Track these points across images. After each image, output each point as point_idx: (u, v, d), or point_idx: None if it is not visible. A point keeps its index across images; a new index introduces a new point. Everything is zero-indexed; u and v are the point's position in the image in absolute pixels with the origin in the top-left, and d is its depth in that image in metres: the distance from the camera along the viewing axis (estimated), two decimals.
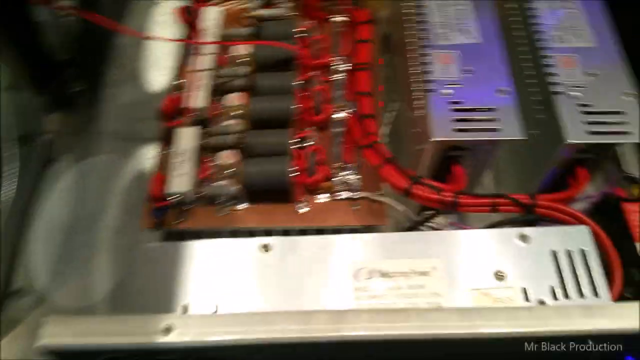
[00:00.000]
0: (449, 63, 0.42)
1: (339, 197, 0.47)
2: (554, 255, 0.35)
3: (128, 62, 0.61)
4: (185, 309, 0.34)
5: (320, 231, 0.47)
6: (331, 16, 0.56)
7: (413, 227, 0.45)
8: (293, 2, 0.56)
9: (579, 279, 0.34)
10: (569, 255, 0.35)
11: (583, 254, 0.35)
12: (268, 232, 0.46)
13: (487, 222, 0.41)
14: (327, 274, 0.34)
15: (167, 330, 0.29)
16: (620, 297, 0.36)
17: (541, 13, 0.45)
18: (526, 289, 0.34)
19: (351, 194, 0.47)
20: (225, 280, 0.34)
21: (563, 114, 0.40)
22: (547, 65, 0.42)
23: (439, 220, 0.47)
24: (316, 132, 0.50)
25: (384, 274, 0.34)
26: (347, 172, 0.47)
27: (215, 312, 0.33)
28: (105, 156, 0.55)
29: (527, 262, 0.35)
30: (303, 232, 0.47)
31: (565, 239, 0.36)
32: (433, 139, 0.39)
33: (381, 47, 0.60)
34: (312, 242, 0.35)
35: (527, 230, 0.36)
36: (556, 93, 0.41)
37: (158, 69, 0.57)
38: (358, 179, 0.47)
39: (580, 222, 0.38)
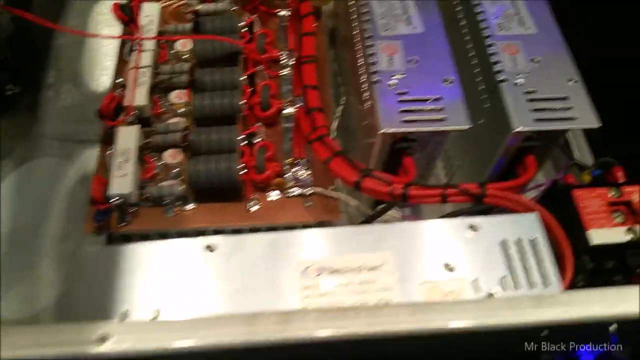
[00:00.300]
0: (394, 54, 0.40)
1: (290, 194, 0.45)
2: (504, 244, 0.34)
3: (68, 62, 0.57)
4: (124, 316, 0.31)
5: (272, 229, 0.45)
6: (276, 10, 0.54)
7: (366, 221, 0.44)
8: None
9: (529, 269, 0.33)
10: (519, 244, 0.34)
11: (533, 243, 0.34)
12: (218, 232, 0.44)
13: (442, 213, 0.40)
14: (275, 273, 0.32)
15: (103, 339, 0.26)
16: (571, 286, 0.35)
17: (483, 1, 0.43)
18: (476, 280, 0.33)
19: (303, 190, 0.45)
20: (168, 283, 0.32)
21: (508, 102, 0.39)
22: (491, 54, 0.41)
23: (392, 213, 0.45)
24: (265, 128, 0.48)
25: (334, 271, 0.32)
26: (299, 167, 0.45)
27: (157, 317, 0.31)
28: (47, 160, 0.52)
29: (477, 253, 0.33)
30: (255, 231, 0.45)
31: (514, 227, 0.34)
32: (381, 131, 0.37)
33: (328, 41, 0.58)
34: (259, 240, 0.33)
35: (477, 220, 0.34)
36: (501, 81, 0.40)
37: (99, 68, 0.54)
38: (309, 174, 0.45)
39: (529, 210, 0.37)
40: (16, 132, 0.53)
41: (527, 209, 0.37)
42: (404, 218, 0.45)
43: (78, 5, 0.60)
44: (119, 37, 0.49)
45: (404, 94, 0.39)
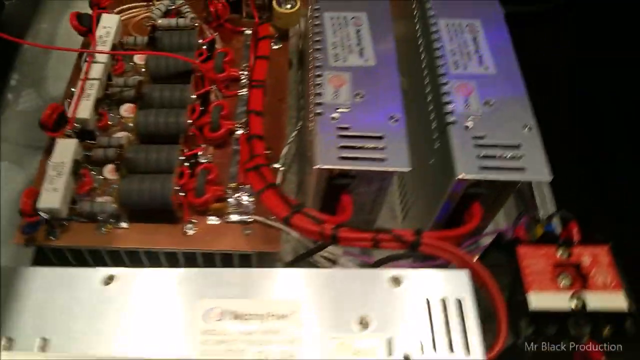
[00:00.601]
0: (341, 86, 0.37)
1: (230, 220, 0.42)
2: (427, 302, 0.30)
3: (32, 67, 0.55)
4: (10, 341, 0.28)
5: (208, 256, 0.42)
6: (242, 28, 0.51)
7: (304, 256, 0.40)
8: (200, 13, 0.51)
9: (452, 332, 0.30)
10: (444, 303, 0.30)
11: (459, 303, 0.30)
12: (151, 254, 0.41)
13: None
14: (174, 313, 0.29)
15: None
16: (504, 350, 0.31)
17: (442, 36, 0.40)
18: (392, 339, 0.29)
19: (244, 216, 0.42)
20: (61, 313, 0.29)
21: (455, 146, 0.36)
22: (443, 93, 0.38)
23: (334, 249, 0.42)
24: (213, 150, 0.45)
25: (238, 316, 0.29)
26: (242, 193, 0.42)
27: (44, 347, 0.28)
28: None
29: (397, 309, 0.30)
30: (190, 255, 0.42)
31: (442, 284, 0.31)
32: (316, 166, 0.34)
33: (297, 62, 0.55)
34: (163, 274, 0.30)
35: (401, 273, 0.31)
36: (450, 123, 0.36)
37: (62, 76, 0.51)
38: (253, 201, 0.42)
39: (465, 264, 0.33)
40: None
41: (462, 263, 0.34)
42: (346, 255, 0.42)
43: (51, 7, 0.58)
44: (71, 49, 0.47)
45: (345, 128, 0.36)
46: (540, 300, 0.33)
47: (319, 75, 0.38)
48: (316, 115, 0.36)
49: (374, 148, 0.35)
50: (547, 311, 0.33)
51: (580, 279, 0.34)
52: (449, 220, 0.39)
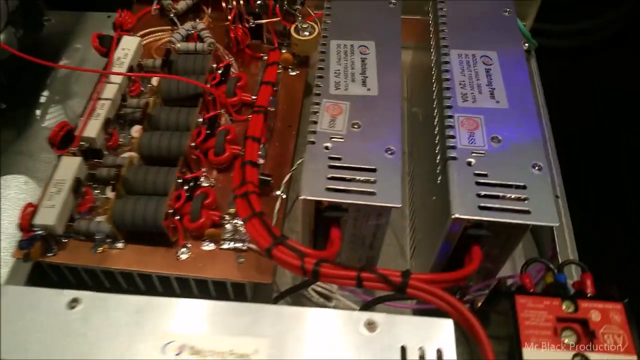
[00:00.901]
0: (337, 115, 0.35)
1: (224, 247, 0.40)
2: (403, 350, 0.27)
3: (62, 85, 0.56)
4: None
5: (201, 282, 0.40)
6: (261, 54, 0.50)
7: (292, 290, 0.38)
8: (222, 39, 0.50)
9: None
10: (422, 354, 0.27)
11: (439, 355, 0.27)
12: (145, 277, 0.40)
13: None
14: (132, 343, 0.27)
15: None
16: None
17: (453, 66, 0.37)
18: None
19: (239, 244, 0.40)
20: (20, 334, 0.28)
21: (454, 183, 0.33)
22: (447, 127, 0.35)
23: (329, 285, 0.40)
24: (216, 174, 0.43)
25: (196, 352, 0.27)
26: (240, 220, 0.40)
27: None
28: (12, 177, 0.49)
29: (368, 356, 0.27)
30: (182, 280, 0.40)
31: (421, 332, 0.28)
32: (301, 197, 0.32)
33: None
34: (126, 302, 0.29)
35: (377, 317, 0.28)
36: (451, 158, 0.33)
37: (86, 96, 0.52)
38: None
39: (457, 313, 0.30)
40: None
41: (452, 310, 0.30)
42: (351, 294, 0.39)
43: (87, 28, 0.59)
44: (89, 70, 0.47)
45: (337, 159, 0.33)
46: (536, 357, 0.29)
47: (316, 103, 0.36)
48: (308, 144, 0.34)
49: (365, 181, 0.33)
50: None
51: (587, 338, 0.30)
52: (449, 262, 0.36)
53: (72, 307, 0.29)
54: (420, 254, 0.42)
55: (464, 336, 0.32)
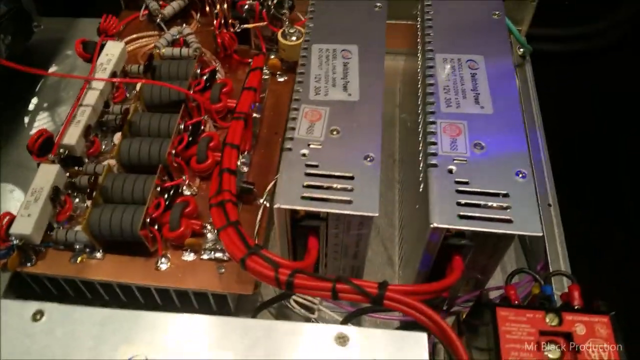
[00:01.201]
0: (316, 121, 0.34)
1: (206, 257, 0.39)
2: None
3: (52, 92, 0.55)
4: None
5: (182, 293, 0.39)
6: (249, 60, 0.49)
7: (276, 300, 0.37)
8: (210, 44, 0.49)
9: None
10: None
11: None
12: (124, 288, 0.39)
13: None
14: (95, 356, 0.27)
15: None
16: None
17: (437, 71, 0.36)
18: None
19: (219, 254, 0.39)
20: None
21: (434, 191, 0.32)
22: (429, 133, 0.34)
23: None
24: (199, 182, 0.43)
25: None
26: None
27: None
28: (3, 185, 0.49)
29: None
30: (162, 291, 0.39)
31: (394, 346, 0.27)
32: (275, 205, 0.31)
33: None
34: (91, 314, 0.28)
35: (349, 331, 0.27)
36: (431, 165, 0.32)
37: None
38: None
39: (433, 324, 0.29)
40: None
41: (431, 323, 0.29)
42: (336, 306, 0.38)
43: (77, 35, 0.58)
44: (70, 76, 0.47)
45: (313, 166, 0.32)
46: None
47: (295, 109, 0.35)
48: (285, 151, 0.33)
49: (343, 189, 0.32)
50: None
51: (572, 353, 0.29)
52: (432, 272, 0.35)
53: (37, 319, 0.28)
54: (407, 265, 0.41)
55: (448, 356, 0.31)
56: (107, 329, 0.28)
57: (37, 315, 0.28)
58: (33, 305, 0.28)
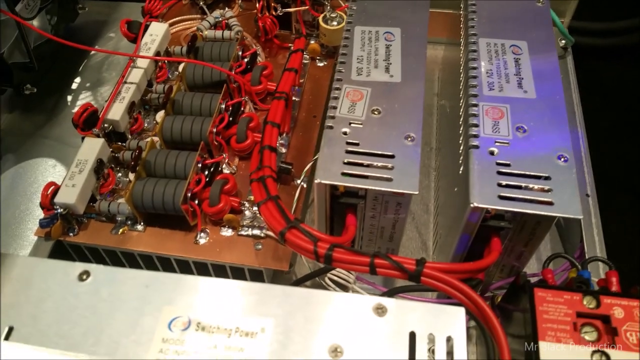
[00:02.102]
0: (358, 101, 0.35)
1: (243, 233, 0.40)
2: (412, 336, 0.27)
3: (95, 72, 0.57)
4: None
5: (219, 267, 0.40)
6: (289, 45, 0.50)
7: (309, 277, 0.38)
8: (251, 28, 0.51)
9: None
10: (431, 340, 0.27)
11: (450, 342, 0.27)
12: (163, 260, 0.41)
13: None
14: (139, 316, 0.28)
15: None
16: None
17: (480, 55, 0.37)
18: None
19: (257, 231, 0.40)
20: (30, 304, 0.28)
21: (474, 172, 0.32)
22: (471, 115, 0.34)
23: (348, 275, 0.39)
24: (238, 161, 0.44)
25: (203, 328, 0.27)
26: None
27: (8, 337, 0.27)
28: (42, 160, 0.51)
29: (376, 341, 0.27)
30: (201, 265, 0.41)
31: (431, 319, 0.27)
32: (316, 180, 0.32)
33: None
34: (136, 276, 0.29)
35: (386, 302, 0.28)
36: (472, 146, 0.33)
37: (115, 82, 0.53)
38: None
39: (470, 301, 0.30)
40: (26, 130, 0.53)
41: (468, 301, 0.30)
42: (358, 281, 0.39)
43: (120, 17, 0.60)
44: (117, 53, 0.48)
45: (355, 144, 0.33)
46: (552, 353, 0.28)
47: (337, 89, 0.36)
48: (326, 129, 0.34)
49: (383, 167, 0.32)
50: None
51: (609, 335, 0.29)
52: (469, 255, 0.35)
53: (83, 280, 0.29)
54: (442, 250, 0.42)
55: (483, 336, 0.31)
56: (150, 291, 0.29)
57: (84, 276, 0.29)
58: (79, 266, 0.30)
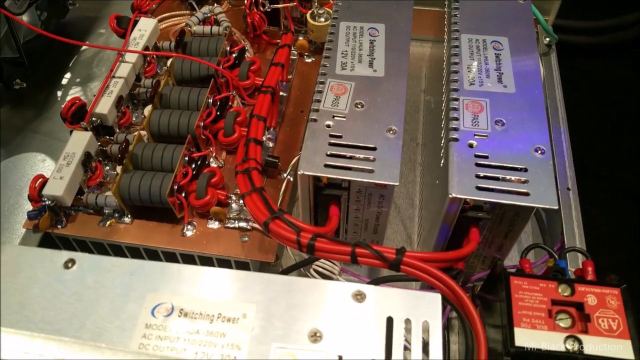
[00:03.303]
0: (341, 94, 0.36)
1: (229, 226, 0.41)
2: (389, 321, 0.28)
3: (85, 67, 0.58)
4: None
5: (205, 259, 0.41)
6: (278, 41, 0.51)
7: (295, 267, 0.39)
8: (240, 24, 0.51)
9: (411, 355, 0.27)
10: (408, 325, 0.28)
11: (426, 328, 0.28)
12: (151, 252, 0.41)
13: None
14: (124, 303, 0.28)
15: None
16: None
17: (462, 50, 0.38)
18: (341, 358, 0.27)
19: (243, 223, 0.41)
20: (19, 292, 0.29)
21: (454, 164, 0.33)
22: (452, 109, 0.35)
23: (332, 266, 0.40)
24: (225, 155, 0.45)
25: (186, 314, 0.28)
26: None
27: None
28: (31, 155, 0.52)
29: (354, 326, 0.28)
30: (188, 257, 0.41)
31: (409, 305, 0.28)
32: (300, 172, 0.33)
33: None
34: (121, 264, 0.30)
35: (365, 289, 0.29)
36: (452, 139, 0.34)
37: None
38: None
39: (448, 289, 0.31)
40: (16, 124, 0.54)
41: (446, 289, 0.31)
42: (343, 272, 0.40)
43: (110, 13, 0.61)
44: (106, 47, 0.49)
45: (338, 137, 0.34)
46: (526, 338, 0.29)
47: (321, 83, 0.37)
48: (310, 121, 0.35)
49: (365, 159, 0.33)
50: (534, 351, 0.29)
51: (582, 322, 0.30)
52: (449, 246, 0.36)
53: (68, 267, 0.30)
54: (425, 243, 0.43)
55: (461, 324, 0.32)
56: (135, 278, 0.29)
57: (69, 264, 0.30)
58: (65, 254, 0.30)
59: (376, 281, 0.36)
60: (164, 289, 0.29)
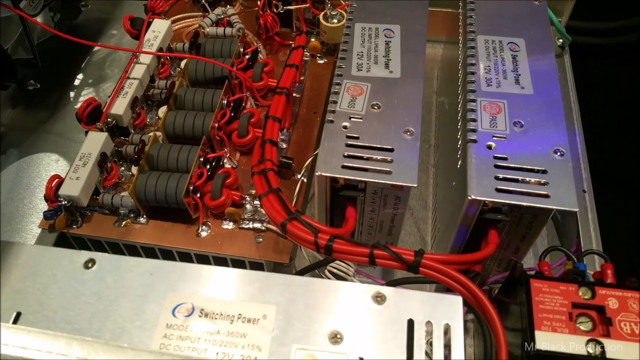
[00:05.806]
0: (357, 96, 0.36)
1: (244, 226, 0.41)
2: (410, 323, 0.28)
3: (98, 68, 0.58)
4: None
5: (220, 260, 0.41)
6: (290, 42, 0.51)
7: (310, 268, 0.39)
8: (253, 26, 0.51)
9: (432, 358, 0.27)
10: (429, 327, 0.28)
11: (447, 330, 0.27)
12: (166, 252, 0.41)
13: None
14: (144, 303, 0.28)
15: None
16: None
17: (478, 52, 0.38)
18: (362, 359, 0.27)
19: (258, 224, 0.41)
20: (38, 290, 0.29)
21: (472, 166, 0.33)
22: (469, 110, 0.35)
23: (347, 268, 0.40)
24: (239, 156, 0.45)
25: (206, 314, 0.28)
26: None
27: (16, 321, 0.28)
28: (44, 155, 0.52)
29: (374, 328, 0.28)
30: (203, 258, 0.41)
31: (429, 307, 0.28)
32: (317, 173, 0.33)
33: None
34: (140, 264, 0.30)
35: (385, 291, 0.28)
36: (470, 141, 0.34)
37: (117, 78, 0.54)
38: None
39: (468, 292, 0.31)
40: (30, 125, 0.54)
41: (466, 291, 0.31)
42: (357, 273, 0.40)
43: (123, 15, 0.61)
44: (118, 48, 0.49)
45: (354, 138, 0.34)
46: (547, 341, 0.29)
47: (337, 84, 0.37)
48: (327, 123, 0.35)
49: (382, 160, 0.33)
50: (555, 354, 0.29)
51: (604, 326, 0.30)
52: (466, 248, 0.36)
53: (88, 267, 0.30)
54: (440, 245, 0.43)
55: (480, 327, 0.32)
56: (155, 279, 0.29)
57: (89, 264, 0.30)
58: (85, 254, 0.30)
59: (391, 283, 0.36)
60: (184, 289, 0.29)
